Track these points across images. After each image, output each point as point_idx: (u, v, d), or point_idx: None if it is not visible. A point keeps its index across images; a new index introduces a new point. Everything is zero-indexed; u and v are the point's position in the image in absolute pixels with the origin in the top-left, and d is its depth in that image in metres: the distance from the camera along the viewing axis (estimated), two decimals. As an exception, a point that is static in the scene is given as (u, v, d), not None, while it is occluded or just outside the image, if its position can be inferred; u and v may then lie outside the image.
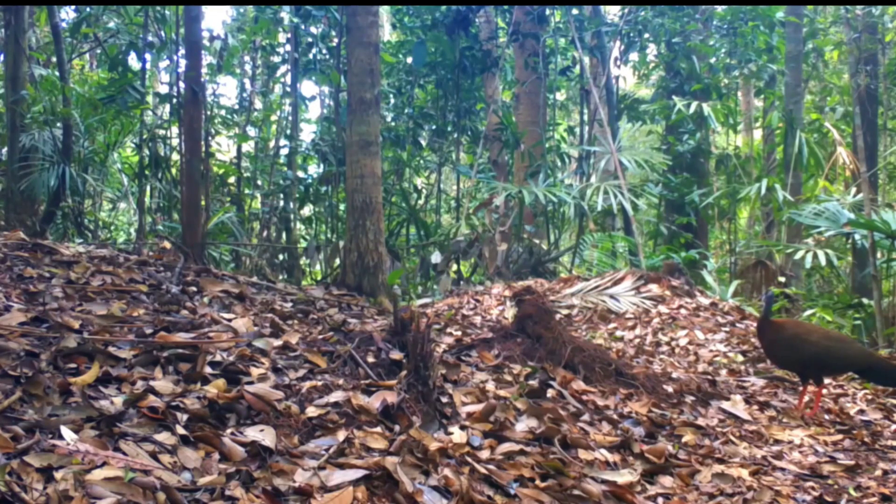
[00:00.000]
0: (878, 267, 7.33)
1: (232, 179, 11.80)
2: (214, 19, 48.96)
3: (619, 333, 5.88)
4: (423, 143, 12.41)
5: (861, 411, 4.24)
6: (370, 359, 3.18)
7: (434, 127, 12.34)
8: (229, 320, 3.47)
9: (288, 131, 12.04)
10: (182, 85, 7.88)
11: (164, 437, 2.14)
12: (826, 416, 4.06)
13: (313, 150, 11.66)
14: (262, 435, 2.25)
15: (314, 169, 12.38)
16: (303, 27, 11.20)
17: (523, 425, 2.96)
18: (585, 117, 12.73)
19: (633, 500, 2.50)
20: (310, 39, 11.45)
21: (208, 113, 10.63)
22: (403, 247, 10.42)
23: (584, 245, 10.40)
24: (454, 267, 9.49)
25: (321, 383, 2.83)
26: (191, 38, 6.76)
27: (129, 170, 11.19)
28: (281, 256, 10.58)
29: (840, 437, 3.69)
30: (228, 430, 2.28)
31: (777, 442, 3.52)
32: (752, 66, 11.97)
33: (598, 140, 10.51)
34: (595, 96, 10.93)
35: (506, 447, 2.69)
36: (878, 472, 3.19)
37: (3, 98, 9.27)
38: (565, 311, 6.39)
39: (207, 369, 2.70)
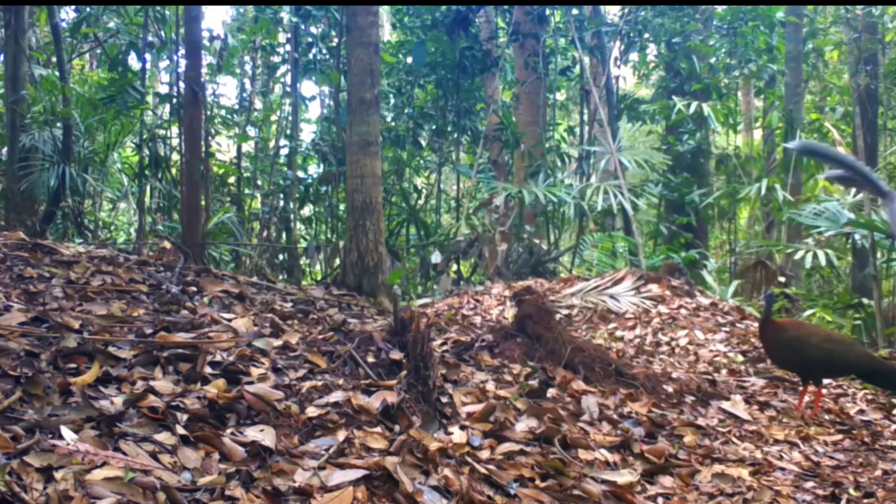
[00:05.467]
0: (878, 267, 7.34)
1: (232, 179, 11.80)
2: (214, 19, 48.93)
3: (619, 333, 5.88)
4: (423, 143, 12.42)
5: (861, 411, 4.24)
6: (370, 359, 3.18)
7: (434, 127, 12.34)
8: (229, 320, 3.47)
9: (288, 131, 12.05)
10: (182, 85, 7.88)
11: (164, 437, 2.14)
12: (826, 416, 4.06)
13: (313, 150, 11.66)
14: (262, 435, 2.25)
15: (314, 169, 12.39)
16: (303, 27, 11.20)
17: (523, 425, 2.96)
18: (585, 117, 12.73)
19: (633, 500, 2.49)
20: (310, 39, 11.45)
21: (208, 113, 10.63)
22: (403, 247, 10.42)
23: (584, 245, 10.40)
24: (454, 267, 9.49)
25: (321, 383, 2.83)
26: (191, 38, 6.75)
27: (129, 170, 11.19)
28: (281, 256, 10.58)
29: (840, 437, 3.69)
30: (228, 430, 2.28)
31: (777, 442, 3.52)
32: (752, 66, 11.98)
33: (598, 140, 10.51)
34: (595, 96, 10.93)
35: (506, 447, 2.69)
36: (878, 472, 3.19)
37: (3, 98, 9.26)
38: (565, 311, 6.39)
39: (207, 369, 2.70)
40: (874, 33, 12.38)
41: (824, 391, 4.45)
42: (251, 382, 2.66)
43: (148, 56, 10.40)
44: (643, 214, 12.92)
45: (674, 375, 4.56)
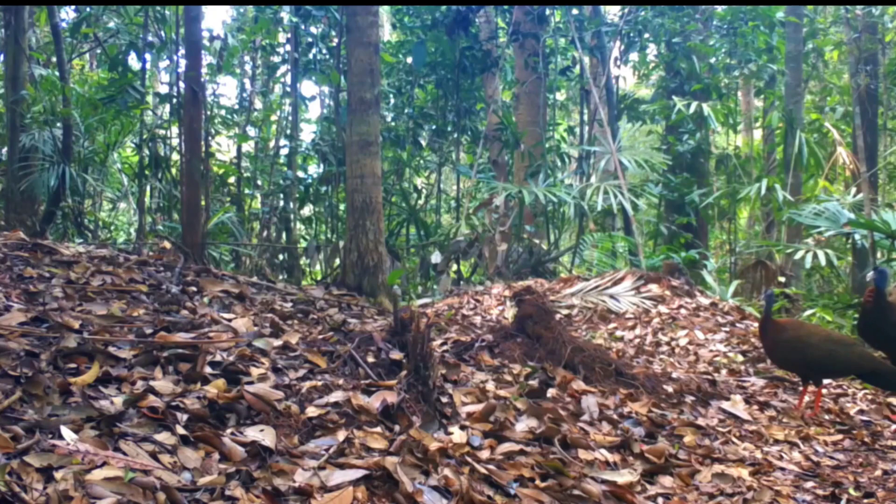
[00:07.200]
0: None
1: (232, 179, 11.80)
2: (214, 19, 48.99)
3: (619, 333, 5.88)
4: (423, 143, 12.42)
5: (861, 411, 4.24)
6: (370, 359, 3.18)
7: (434, 127, 12.34)
8: (229, 320, 3.47)
9: (288, 131, 12.05)
10: (182, 85, 7.88)
11: (164, 437, 2.14)
12: (826, 416, 4.06)
13: (313, 150, 11.67)
14: (262, 435, 2.25)
15: (314, 169, 12.39)
16: (303, 27, 11.21)
17: (523, 425, 2.96)
18: (585, 117, 12.74)
19: (633, 500, 2.49)
20: (310, 39, 11.46)
21: (208, 113, 10.64)
22: (403, 247, 10.42)
23: (584, 245, 10.40)
24: (454, 267, 9.49)
25: (321, 383, 2.83)
26: (191, 38, 6.75)
27: (129, 170, 11.20)
28: (281, 256, 10.59)
29: (840, 437, 3.69)
30: (228, 430, 2.28)
31: (777, 442, 3.52)
32: (752, 66, 11.98)
33: (598, 140, 10.51)
34: (595, 96, 10.93)
35: (506, 447, 2.69)
36: (878, 472, 3.19)
37: (3, 98, 9.27)
38: (565, 311, 6.39)
39: (207, 369, 2.70)
40: (874, 33, 12.39)
41: (824, 391, 4.45)
42: (251, 382, 2.67)
43: (148, 56, 10.41)
44: (643, 214, 12.92)
45: (674, 375, 4.56)
